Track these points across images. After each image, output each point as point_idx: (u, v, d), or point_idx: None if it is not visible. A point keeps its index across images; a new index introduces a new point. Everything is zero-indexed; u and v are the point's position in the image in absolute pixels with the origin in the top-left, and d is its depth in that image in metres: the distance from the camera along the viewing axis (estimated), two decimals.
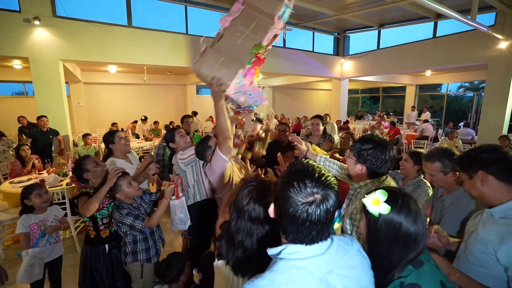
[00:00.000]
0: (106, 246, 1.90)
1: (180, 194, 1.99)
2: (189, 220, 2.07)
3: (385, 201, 0.81)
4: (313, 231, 0.69)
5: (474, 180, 1.05)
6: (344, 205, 1.38)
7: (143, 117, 9.05)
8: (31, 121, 6.01)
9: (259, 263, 0.87)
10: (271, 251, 0.74)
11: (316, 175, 0.70)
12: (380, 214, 0.81)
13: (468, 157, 1.09)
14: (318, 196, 0.68)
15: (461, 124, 11.07)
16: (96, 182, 1.90)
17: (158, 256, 1.99)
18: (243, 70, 1.66)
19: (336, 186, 0.71)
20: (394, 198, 0.82)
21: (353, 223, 1.23)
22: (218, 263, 1.04)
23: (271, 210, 0.77)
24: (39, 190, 2.06)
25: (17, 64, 7.59)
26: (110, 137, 2.39)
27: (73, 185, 3.11)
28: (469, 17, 4.80)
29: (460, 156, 1.18)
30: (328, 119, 6.82)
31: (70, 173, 1.78)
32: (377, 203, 0.82)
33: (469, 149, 1.16)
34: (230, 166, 1.89)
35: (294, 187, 0.68)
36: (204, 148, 2.00)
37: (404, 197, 0.83)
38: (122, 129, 9.81)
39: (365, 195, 0.86)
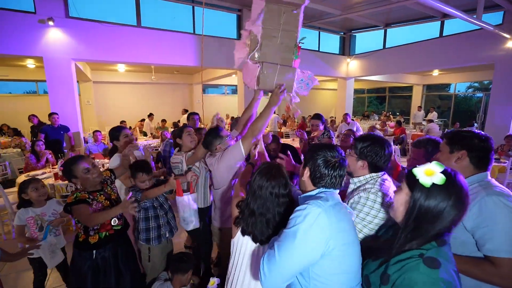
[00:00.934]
0: (94, 252, 1.75)
1: (185, 194, 1.98)
2: (194, 222, 2.09)
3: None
4: (339, 182, 1.09)
5: (452, 155, 1.19)
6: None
7: (149, 114, 9.25)
8: (42, 119, 6.22)
9: (276, 231, 1.20)
10: (305, 195, 1.12)
11: (334, 147, 1.13)
12: (433, 184, 0.81)
13: (461, 136, 1.19)
14: (339, 158, 1.09)
15: (475, 124, 10.93)
16: (88, 188, 1.76)
17: (170, 235, 2.10)
18: (298, 69, 1.75)
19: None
20: (447, 173, 0.83)
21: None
22: (240, 237, 1.29)
23: (305, 174, 1.13)
24: (36, 184, 2.07)
25: (30, 63, 7.86)
26: (116, 132, 2.34)
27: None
28: (475, 16, 4.79)
29: (453, 131, 1.25)
30: (347, 118, 6.83)
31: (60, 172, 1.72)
32: (431, 173, 0.82)
33: (463, 129, 1.26)
34: (240, 164, 1.87)
35: (328, 153, 1.09)
36: (215, 136, 1.93)
37: (456, 174, 0.85)
38: (130, 127, 10.05)
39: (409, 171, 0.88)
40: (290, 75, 1.71)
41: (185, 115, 9.33)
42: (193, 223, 2.10)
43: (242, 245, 1.28)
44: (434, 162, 0.84)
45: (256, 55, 1.74)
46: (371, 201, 1.24)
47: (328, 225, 0.94)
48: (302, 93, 1.85)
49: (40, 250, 2.03)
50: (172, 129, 7.37)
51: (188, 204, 2.04)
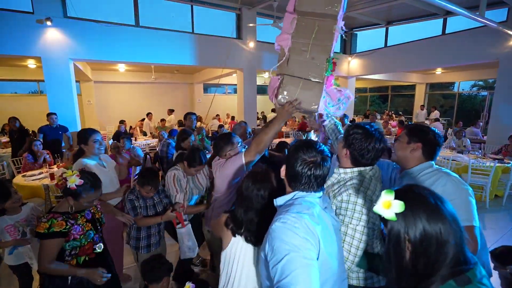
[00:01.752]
0: (69, 278, 1.50)
1: (185, 223, 2.03)
2: (197, 247, 2.14)
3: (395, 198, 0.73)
4: (315, 182, 1.02)
5: (409, 145, 1.34)
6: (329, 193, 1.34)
7: (147, 114, 9.26)
8: (44, 118, 6.22)
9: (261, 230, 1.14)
10: (282, 199, 1.06)
11: (314, 145, 1.04)
12: (397, 215, 0.71)
13: (419, 130, 1.35)
14: (318, 158, 1.01)
15: (480, 123, 10.77)
16: (76, 208, 1.54)
17: (157, 246, 2.11)
18: (325, 85, 1.53)
19: (329, 154, 1.06)
20: (400, 194, 0.73)
21: (340, 218, 1.22)
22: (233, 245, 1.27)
23: (282, 171, 1.08)
24: (17, 196, 1.96)
25: (31, 63, 7.89)
26: (84, 136, 2.09)
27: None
28: (478, 13, 4.69)
29: (414, 125, 1.42)
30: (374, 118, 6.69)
31: (73, 184, 1.47)
32: (388, 205, 0.72)
33: (421, 124, 1.44)
34: (241, 177, 1.81)
35: (304, 152, 1.02)
36: (226, 143, 1.89)
37: (413, 189, 0.75)
38: (131, 127, 10.07)
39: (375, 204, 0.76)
40: (315, 92, 1.52)
41: (172, 116, 9.29)
42: (197, 249, 2.17)
43: (237, 252, 1.25)
44: (383, 192, 0.74)
45: (281, 68, 1.62)
46: (352, 204, 1.21)
47: (307, 238, 0.89)
48: (338, 113, 1.72)
49: (27, 253, 2.01)
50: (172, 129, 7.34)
51: (190, 232, 2.07)
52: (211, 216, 1.98)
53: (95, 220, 1.65)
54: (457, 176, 1.27)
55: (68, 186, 1.44)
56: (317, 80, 1.53)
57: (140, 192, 2.01)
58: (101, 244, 1.66)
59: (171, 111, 9.55)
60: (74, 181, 1.44)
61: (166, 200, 2.15)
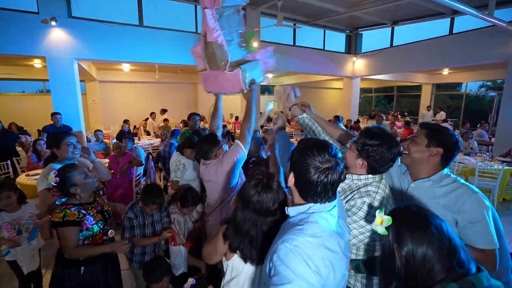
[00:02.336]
0: (82, 268, 1.59)
1: (178, 243, 2.03)
2: (182, 269, 2.12)
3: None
4: (330, 190, 0.88)
5: (429, 149, 1.19)
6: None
7: (151, 113, 9.28)
8: (48, 117, 6.27)
9: (264, 251, 0.97)
10: (295, 209, 0.91)
11: (327, 146, 0.89)
12: (388, 229, 0.78)
13: (441, 133, 1.19)
14: (333, 163, 0.86)
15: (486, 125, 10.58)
16: (84, 196, 1.61)
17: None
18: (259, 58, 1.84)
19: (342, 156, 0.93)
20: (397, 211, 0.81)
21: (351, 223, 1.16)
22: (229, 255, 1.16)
23: (290, 179, 0.92)
24: (9, 192, 1.98)
25: (37, 63, 7.98)
26: (56, 141, 1.95)
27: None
28: (486, 12, 4.58)
29: (434, 126, 1.24)
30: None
31: (52, 186, 1.56)
32: (380, 221, 0.79)
33: (441, 125, 1.27)
34: (240, 168, 1.86)
35: (316, 156, 0.86)
36: (212, 146, 1.90)
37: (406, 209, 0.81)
38: (135, 126, 10.11)
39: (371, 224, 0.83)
40: (254, 64, 1.77)
41: (165, 115, 9.22)
42: (182, 269, 2.13)
43: (233, 267, 1.16)
44: (377, 212, 0.81)
45: (227, 63, 1.72)
46: (363, 211, 1.15)
47: (318, 268, 0.78)
48: (270, 63, 1.89)
49: (21, 254, 2.00)
50: (175, 128, 7.34)
51: (180, 252, 2.06)
52: (211, 221, 1.97)
53: (104, 212, 1.72)
54: (479, 192, 1.16)
55: (49, 183, 1.54)
56: (248, 59, 1.81)
57: (143, 208, 1.99)
58: (112, 230, 1.74)
59: (163, 111, 9.48)
60: (51, 179, 1.53)
61: (166, 219, 2.12)
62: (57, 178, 1.53)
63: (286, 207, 0.96)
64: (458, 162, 4.67)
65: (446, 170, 1.21)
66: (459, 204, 1.12)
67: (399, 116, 12.55)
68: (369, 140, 1.17)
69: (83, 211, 1.57)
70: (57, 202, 1.72)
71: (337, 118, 5.80)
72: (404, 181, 1.33)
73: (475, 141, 6.20)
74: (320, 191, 0.87)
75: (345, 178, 0.97)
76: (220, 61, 1.69)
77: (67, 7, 5.46)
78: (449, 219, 1.14)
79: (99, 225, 1.63)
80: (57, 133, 2.04)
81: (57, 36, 5.37)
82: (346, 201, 1.21)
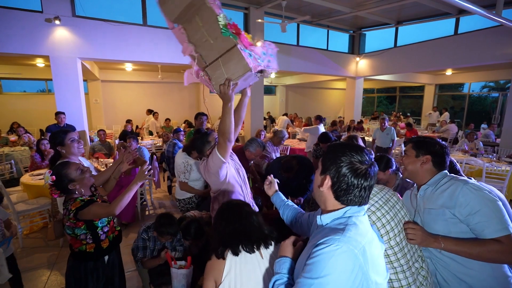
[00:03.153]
0: (106, 258, 1.72)
1: (173, 265, 1.98)
2: None
3: None
4: (368, 193, 0.86)
5: (418, 159, 1.33)
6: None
7: (153, 113, 9.23)
8: (51, 117, 6.25)
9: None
10: (329, 216, 0.88)
11: (361, 148, 0.87)
12: None
13: (425, 142, 1.34)
14: (370, 164, 0.85)
15: (484, 125, 10.53)
16: (85, 191, 1.66)
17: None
18: (240, 45, 1.50)
19: None
20: None
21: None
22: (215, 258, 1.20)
23: (326, 183, 0.87)
24: None
25: (40, 62, 7.95)
26: (58, 137, 1.99)
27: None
28: (494, 12, 4.53)
29: (418, 138, 1.39)
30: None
31: (48, 185, 1.58)
32: None
33: (425, 136, 1.42)
34: (226, 166, 1.84)
35: (355, 156, 0.84)
36: (203, 143, 1.97)
37: None
38: (137, 126, 10.09)
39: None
40: (236, 58, 1.51)
41: (150, 116, 9.15)
42: None
43: (232, 267, 1.18)
44: None
45: (201, 65, 1.65)
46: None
47: (357, 276, 0.74)
48: (272, 66, 1.65)
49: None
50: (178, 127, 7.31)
51: (177, 276, 2.01)
52: (214, 209, 1.97)
53: (105, 202, 1.79)
54: (475, 182, 1.22)
55: (45, 183, 1.57)
56: (229, 48, 1.52)
57: (156, 237, 2.02)
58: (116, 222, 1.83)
59: (149, 112, 9.41)
60: (47, 179, 1.56)
61: (180, 247, 2.10)
62: (53, 177, 1.55)
63: (318, 216, 0.91)
64: (465, 163, 4.63)
65: (443, 173, 1.31)
66: (454, 199, 1.17)
67: (401, 116, 12.50)
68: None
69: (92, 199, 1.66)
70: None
71: (319, 118, 5.71)
72: (413, 198, 1.42)
73: (480, 142, 6.15)
74: (360, 194, 0.84)
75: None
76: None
77: (71, 6, 5.43)
78: (447, 216, 1.19)
79: None
80: (58, 131, 2.06)
81: (61, 35, 5.34)
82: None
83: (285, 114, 11.41)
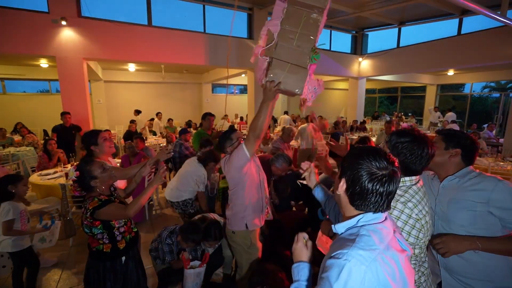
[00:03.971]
0: (123, 258, 1.73)
1: (188, 266, 2.06)
2: None
3: None
4: (386, 201, 0.82)
5: (448, 151, 1.31)
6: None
7: (156, 113, 9.25)
8: (55, 117, 6.28)
9: None
10: (343, 226, 0.85)
11: (383, 153, 0.83)
12: None
13: (456, 136, 1.32)
14: (390, 170, 0.81)
15: (485, 126, 10.56)
16: (105, 190, 1.69)
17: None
18: (309, 71, 1.60)
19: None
20: None
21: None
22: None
23: (341, 186, 0.86)
24: (26, 181, 2.22)
25: (43, 63, 7.97)
26: (92, 137, 2.08)
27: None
28: (499, 12, 4.55)
29: (448, 131, 1.37)
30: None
31: (71, 181, 1.62)
32: None
33: (456, 130, 1.40)
34: (249, 164, 1.86)
35: (372, 161, 0.81)
36: (225, 139, 1.98)
37: None
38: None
39: None
40: (299, 77, 1.59)
41: (139, 116, 9.11)
42: None
43: None
44: None
45: (269, 51, 1.66)
46: (398, 211, 1.10)
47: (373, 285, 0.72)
48: (312, 99, 1.68)
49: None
50: (181, 128, 7.34)
51: (191, 277, 2.08)
52: (232, 215, 1.98)
53: (123, 203, 1.80)
54: (505, 181, 1.22)
55: (69, 178, 1.65)
56: (303, 66, 1.59)
57: (179, 242, 2.09)
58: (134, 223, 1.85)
59: (137, 112, 9.40)
60: (72, 174, 1.60)
61: (195, 253, 2.21)
62: (78, 172, 1.61)
63: (333, 225, 0.88)
64: None
65: (471, 168, 1.30)
66: (488, 194, 1.17)
67: (403, 117, 12.52)
68: (399, 138, 1.19)
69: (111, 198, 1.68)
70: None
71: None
72: (434, 185, 1.40)
73: (483, 142, 6.18)
74: (374, 200, 0.81)
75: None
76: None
77: (77, 7, 5.46)
78: (477, 208, 1.19)
79: None
80: (91, 132, 2.14)
81: (67, 35, 5.37)
82: None
83: (286, 113, 11.42)
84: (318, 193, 1.47)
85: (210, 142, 3.51)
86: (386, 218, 0.85)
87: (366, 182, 0.80)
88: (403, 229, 1.08)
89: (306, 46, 1.58)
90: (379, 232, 0.79)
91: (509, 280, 1.20)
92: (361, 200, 0.82)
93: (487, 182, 1.21)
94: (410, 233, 1.09)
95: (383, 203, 0.81)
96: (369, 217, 0.82)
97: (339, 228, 0.86)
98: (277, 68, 1.61)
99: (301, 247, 1.02)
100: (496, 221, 1.18)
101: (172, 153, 2.05)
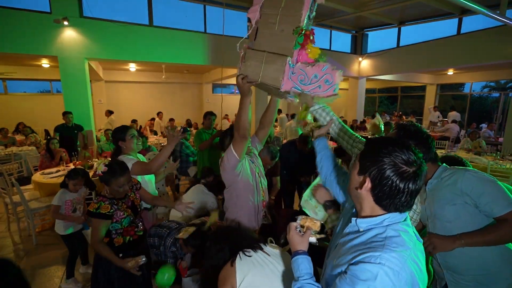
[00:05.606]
0: (120, 255, 1.73)
1: (186, 275, 2.04)
2: None
3: None
4: (412, 199, 0.75)
5: None
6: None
7: (157, 113, 9.27)
8: (56, 117, 6.31)
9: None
10: (367, 222, 0.79)
11: (408, 145, 0.75)
12: None
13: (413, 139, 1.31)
14: (419, 165, 0.73)
15: (483, 125, 10.58)
16: (114, 195, 1.73)
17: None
18: (291, 57, 1.33)
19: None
20: None
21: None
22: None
23: (366, 185, 0.77)
24: (80, 180, 2.52)
25: (45, 63, 8.01)
26: (121, 133, 2.14)
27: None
28: (498, 12, 4.58)
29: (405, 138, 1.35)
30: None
31: (99, 171, 1.69)
32: None
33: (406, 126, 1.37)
34: (242, 164, 1.81)
35: (401, 156, 0.72)
36: (226, 136, 1.97)
37: None
38: (141, 126, 10.13)
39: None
40: (278, 66, 1.33)
41: (112, 116, 9.05)
42: None
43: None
44: None
45: (250, 42, 1.48)
46: None
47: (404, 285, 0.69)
48: (322, 94, 1.37)
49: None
50: (182, 127, 7.36)
51: (190, 285, 2.07)
52: (226, 216, 1.97)
53: (135, 206, 1.84)
54: (471, 168, 1.30)
55: (97, 173, 1.69)
56: (283, 54, 1.32)
57: (181, 246, 2.06)
58: (141, 227, 1.87)
59: (110, 112, 9.37)
60: (100, 168, 1.67)
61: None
62: (106, 168, 1.68)
63: (354, 219, 0.82)
64: (470, 161, 4.67)
65: (444, 166, 1.34)
66: (458, 187, 1.22)
67: (404, 117, 12.54)
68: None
69: (115, 206, 1.70)
70: None
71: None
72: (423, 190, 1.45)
73: (483, 141, 6.20)
74: (406, 199, 0.74)
75: None
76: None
77: (79, 7, 5.49)
78: (457, 202, 1.23)
79: (127, 219, 1.74)
80: (120, 127, 2.21)
81: (69, 35, 5.40)
82: None
83: (280, 111, 11.40)
84: (319, 143, 1.41)
85: (212, 171, 3.37)
86: (407, 217, 0.81)
87: (397, 181, 0.72)
88: None
89: (289, 29, 1.32)
90: (407, 232, 0.75)
91: (505, 266, 1.23)
92: (390, 199, 0.74)
93: (457, 174, 1.26)
94: None
95: (411, 201, 0.75)
96: (395, 216, 0.77)
97: (361, 223, 0.80)
98: (251, 60, 1.40)
99: (293, 235, 0.96)
100: (476, 210, 1.22)
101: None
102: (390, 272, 0.66)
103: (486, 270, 1.24)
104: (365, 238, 0.77)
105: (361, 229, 0.80)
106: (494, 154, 5.24)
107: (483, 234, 1.19)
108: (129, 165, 1.96)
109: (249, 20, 1.52)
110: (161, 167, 1.90)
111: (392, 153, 0.73)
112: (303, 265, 0.88)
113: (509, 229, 1.13)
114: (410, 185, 0.72)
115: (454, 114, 10.57)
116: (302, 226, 1.01)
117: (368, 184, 0.77)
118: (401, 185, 0.72)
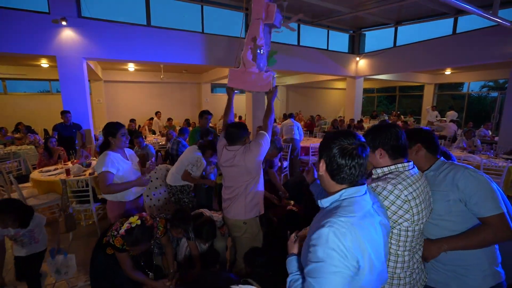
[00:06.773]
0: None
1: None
2: None
3: None
4: (359, 171, 0.95)
5: (411, 149, 1.39)
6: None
7: (156, 112, 9.32)
8: (55, 117, 6.37)
9: None
10: (328, 200, 0.99)
11: (352, 133, 0.99)
12: None
13: (412, 132, 1.43)
14: (358, 144, 0.95)
15: (486, 132, 10.59)
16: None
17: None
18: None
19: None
20: None
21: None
22: None
23: (321, 166, 0.99)
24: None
25: (44, 63, 8.07)
26: (113, 129, 2.22)
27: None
28: (491, 12, 4.64)
29: (408, 130, 1.43)
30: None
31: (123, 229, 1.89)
32: None
33: (410, 128, 1.49)
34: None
35: (343, 140, 0.95)
36: (242, 132, 2.04)
37: None
38: (140, 126, 10.18)
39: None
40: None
41: (156, 118, 9.19)
42: None
43: None
44: None
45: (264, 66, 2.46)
46: (387, 192, 1.14)
47: (353, 247, 0.83)
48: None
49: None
50: (180, 127, 7.42)
51: None
52: (245, 205, 2.03)
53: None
54: (470, 167, 1.31)
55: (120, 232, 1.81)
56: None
57: (170, 230, 2.09)
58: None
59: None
60: (124, 227, 1.81)
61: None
62: (125, 232, 1.80)
63: (319, 200, 1.02)
64: (463, 160, 4.73)
65: (443, 159, 1.39)
66: (455, 182, 1.25)
67: (402, 116, 12.59)
68: (374, 132, 1.28)
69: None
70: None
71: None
72: None
73: (478, 139, 6.25)
74: (351, 172, 0.94)
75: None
76: (258, 64, 2.26)
77: (77, 7, 5.55)
78: (450, 197, 1.26)
79: None
80: (114, 124, 2.27)
81: (67, 35, 5.45)
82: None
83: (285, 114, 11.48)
84: (313, 187, 1.69)
85: (211, 132, 3.73)
86: (366, 193, 0.99)
87: (339, 158, 0.94)
88: (389, 208, 1.14)
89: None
90: (358, 203, 0.92)
91: (484, 259, 1.28)
92: (339, 173, 0.95)
93: (455, 170, 1.29)
94: (395, 212, 1.14)
95: (358, 174, 0.95)
96: (350, 191, 0.95)
97: (325, 202, 0.99)
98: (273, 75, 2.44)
99: (290, 242, 1.19)
100: (465, 209, 1.25)
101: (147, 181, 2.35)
102: (337, 232, 0.83)
103: (466, 261, 1.28)
104: (327, 211, 0.96)
105: (325, 206, 1.00)
106: (488, 153, 5.30)
107: (465, 240, 1.24)
108: (101, 170, 2.09)
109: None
110: (118, 192, 2.16)
111: (337, 139, 0.96)
112: (293, 263, 1.09)
113: (491, 236, 1.19)
114: (350, 161, 0.93)
115: (452, 114, 10.63)
116: (297, 236, 1.23)
117: (323, 165, 0.99)
118: (343, 161, 0.94)
